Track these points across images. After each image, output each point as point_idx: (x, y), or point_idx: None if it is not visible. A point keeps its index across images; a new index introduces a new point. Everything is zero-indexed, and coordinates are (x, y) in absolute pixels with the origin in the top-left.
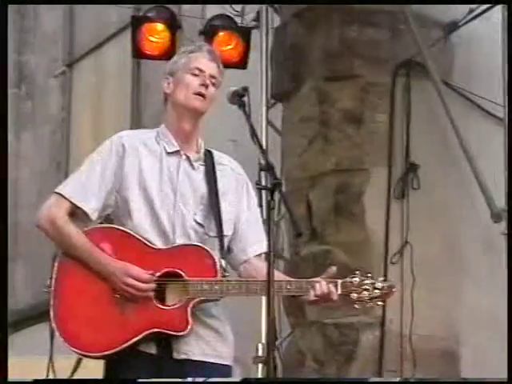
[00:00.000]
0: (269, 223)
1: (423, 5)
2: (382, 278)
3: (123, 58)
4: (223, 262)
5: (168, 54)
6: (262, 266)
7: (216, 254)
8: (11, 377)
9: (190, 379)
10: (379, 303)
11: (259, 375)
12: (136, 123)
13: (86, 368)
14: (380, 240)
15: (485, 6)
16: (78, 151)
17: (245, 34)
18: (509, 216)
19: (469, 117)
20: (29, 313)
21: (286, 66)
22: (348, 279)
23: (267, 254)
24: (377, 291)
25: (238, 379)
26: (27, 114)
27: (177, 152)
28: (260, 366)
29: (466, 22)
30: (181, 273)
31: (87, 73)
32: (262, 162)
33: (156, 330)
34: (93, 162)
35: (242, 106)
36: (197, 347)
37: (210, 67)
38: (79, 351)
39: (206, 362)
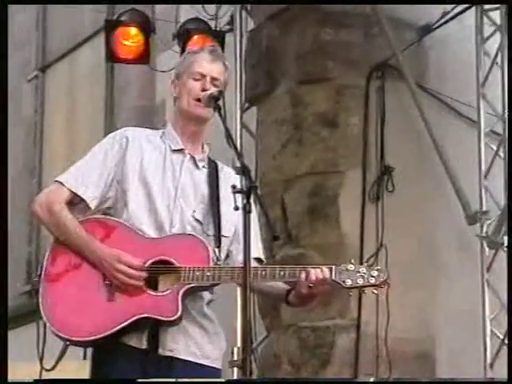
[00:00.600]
0: (245, 227)
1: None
2: (378, 267)
3: (97, 62)
4: (217, 252)
5: (142, 57)
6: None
7: (211, 245)
8: None
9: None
10: (374, 291)
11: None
12: (109, 127)
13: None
14: (355, 242)
15: (458, 9)
16: (51, 155)
17: (219, 37)
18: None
19: (443, 119)
20: None
21: (260, 68)
22: (343, 265)
23: (244, 252)
24: (372, 279)
25: (221, 380)
26: None
27: (181, 150)
28: (235, 369)
29: (440, 25)
30: (173, 261)
31: (61, 76)
32: (238, 165)
33: (145, 315)
34: (95, 152)
35: (217, 108)
36: (183, 345)
37: (211, 69)
38: (66, 336)
39: (192, 362)
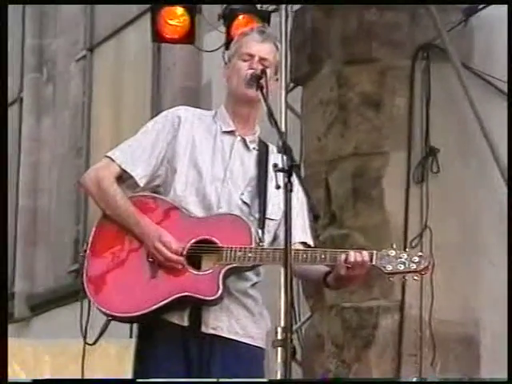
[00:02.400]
0: (286, 205)
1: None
2: (419, 253)
3: (143, 43)
4: (260, 233)
5: (187, 37)
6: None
7: (253, 226)
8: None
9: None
10: (415, 278)
11: (278, 359)
12: (156, 108)
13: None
14: (399, 224)
15: None
16: (99, 136)
17: (264, 17)
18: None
19: (489, 100)
20: (49, 297)
21: (305, 49)
22: (384, 251)
23: (285, 233)
24: (413, 265)
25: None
26: (48, 98)
27: (232, 132)
28: (279, 349)
29: (485, 6)
30: (216, 240)
31: (108, 57)
32: (280, 144)
33: (186, 293)
34: (147, 130)
35: (259, 88)
36: (226, 323)
37: (259, 50)
38: (108, 311)
39: (235, 341)
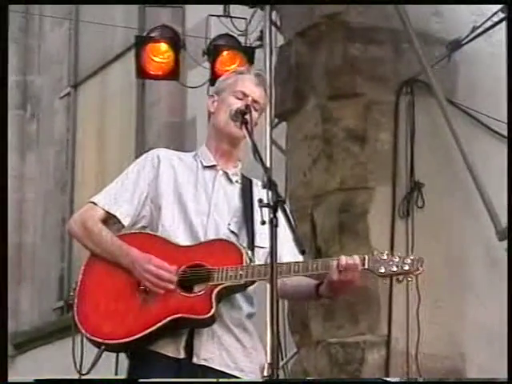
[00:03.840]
0: (272, 240)
1: (422, 20)
2: (412, 256)
3: (128, 78)
4: (250, 253)
5: (172, 74)
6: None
7: (244, 247)
8: None
9: None
10: (409, 279)
11: None
12: (140, 143)
13: None
14: None
15: (488, 24)
16: (84, 172)
17: (248, 53)
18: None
19: (473, 135)
20: (34, 334)
21: (289, 84)
22: (376, 255)
23: (271, 269)
24: (406, 266)
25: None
26: (32, 135)
27: (213, 166)
28: None
29: (470, 40)
30: (207, 265)
31: (92, 93)
32: (265, 179)
33: (178, 315)
34: (127, 172)
35: (244, 123)
36: (218, 355)
37: (254, 91)
38: (99, 340)
39: (226, 374)
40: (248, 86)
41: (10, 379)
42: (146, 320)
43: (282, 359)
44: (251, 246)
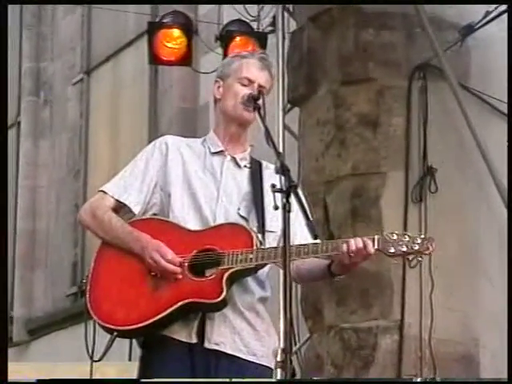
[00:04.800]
0: (284, 226)
1: (434, 5)
2: (422, 236)
3: (140, 65)
4: (260, 237)
5: (184, 59)
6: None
7: (253, 231)
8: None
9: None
10: (419, 258)
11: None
12: (153, 130)
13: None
14: None
15: (501, 9)
16: (96, 159)
17: (261, 38)
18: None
19: (486, 119)
20: (47, 320)
21: (301, 70)
22: (386, 235)
23: (283, 254)
24: (415, 245)
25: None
26: (45, 121)
27: (221, 152)
28: (279, 371)
29: (482, 25)
30: (217, 249)
31: (105, 80)
32: (278, 164)
33: (190, 300)
34: (136, 161)
35: (257, 109)
36: (230, 339)
37: (259, 76)
38: (111, 326)
39: (239, 358)
40: (253, 71)
41: (9, 379)
42: (158, 305)
43: (295, 345)
44: (261, 230)
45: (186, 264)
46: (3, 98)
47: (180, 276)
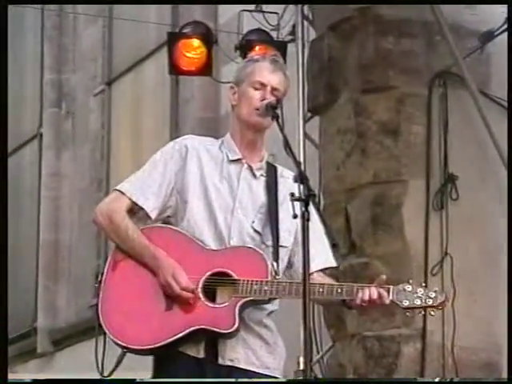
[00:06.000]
0: (303, 234)
1: (454, 12)
2: (435, 289)
3: (161, 75)
4: (275, 266)
5: (205, 69)
6: (325, 281)
7: (269, 259)
8: None
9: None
10: (432, 313)
11: None
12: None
13: None
14: (419, 252)
15: None
16: (118, 169)
17: (281, 47)
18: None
19: (506, 126)
20: (70, 331)
21: (321, 78)
22: (401, 286)
23: (303, 264)
24: (430, 300)
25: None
26: (67, 132)
27: (239, 160)
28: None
29: (502, 31)
30: (231, 273)
31: (126, 90)
32: (297, 173)
33: (201, 326)
34: (155, 161)
35: (275, 117)
36: (243, 355)
37: (272, 79)
38: (123, 343)
39: (252, 372)
40: (265, 75)
41: (9, 379)
42: (170, 328)
43: (318, 353)
44: (276, 245)
45: (200, 287)
46: (3, 97)
47: (192, 301)
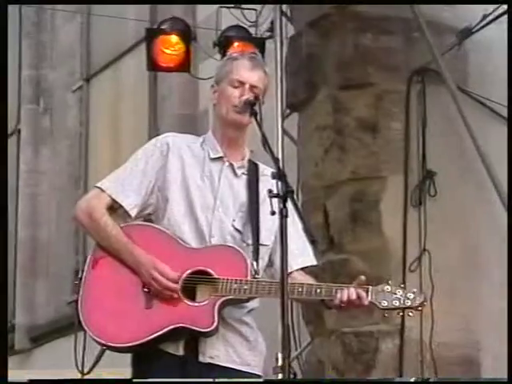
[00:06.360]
0: (281, 231)
1: (432, 8)
2: (414, 290)
3: (140, 71)
4: (255, 265)
5: (183, 66)
6: (305, 280)
7: (249, 257)
8: None
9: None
10: (410, 314)
11: None
12: (154, 136)
13: None
14: (398, 248)
15: (498, 11)
16: (97, 166)
17: (259, 44)
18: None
19: (485, 122)
20: (49, 328)
21: (300, 75)
22: (379, 286)
23: (281, 260)
24: (408, 301)
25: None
26: (45, 129)
27: (220, 158)
28: (280, 376)
29: (480, 28)
30: (211, 272)
31: (105, 87)
32: (275, 170)
33: (181, 325)
34: (136, 159)
35: (253, 114)
36: (223, 352)
37: (250, 77)
38: (102, 341)
39: (232, 369)
40: (243, 73)
41: (9, 379)
42: (149, 326)
43: (297, 349)
44: (256, 244)
45: (180, 285)
46: (4, 97)
47: (176, 296)
